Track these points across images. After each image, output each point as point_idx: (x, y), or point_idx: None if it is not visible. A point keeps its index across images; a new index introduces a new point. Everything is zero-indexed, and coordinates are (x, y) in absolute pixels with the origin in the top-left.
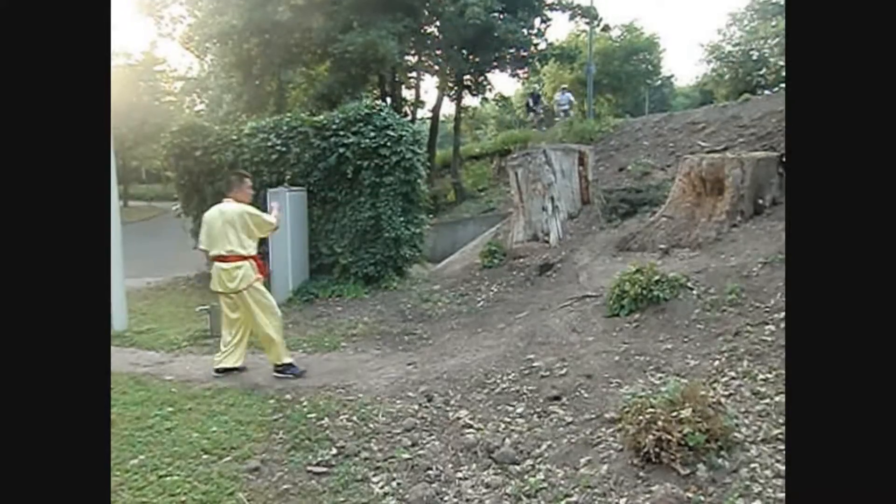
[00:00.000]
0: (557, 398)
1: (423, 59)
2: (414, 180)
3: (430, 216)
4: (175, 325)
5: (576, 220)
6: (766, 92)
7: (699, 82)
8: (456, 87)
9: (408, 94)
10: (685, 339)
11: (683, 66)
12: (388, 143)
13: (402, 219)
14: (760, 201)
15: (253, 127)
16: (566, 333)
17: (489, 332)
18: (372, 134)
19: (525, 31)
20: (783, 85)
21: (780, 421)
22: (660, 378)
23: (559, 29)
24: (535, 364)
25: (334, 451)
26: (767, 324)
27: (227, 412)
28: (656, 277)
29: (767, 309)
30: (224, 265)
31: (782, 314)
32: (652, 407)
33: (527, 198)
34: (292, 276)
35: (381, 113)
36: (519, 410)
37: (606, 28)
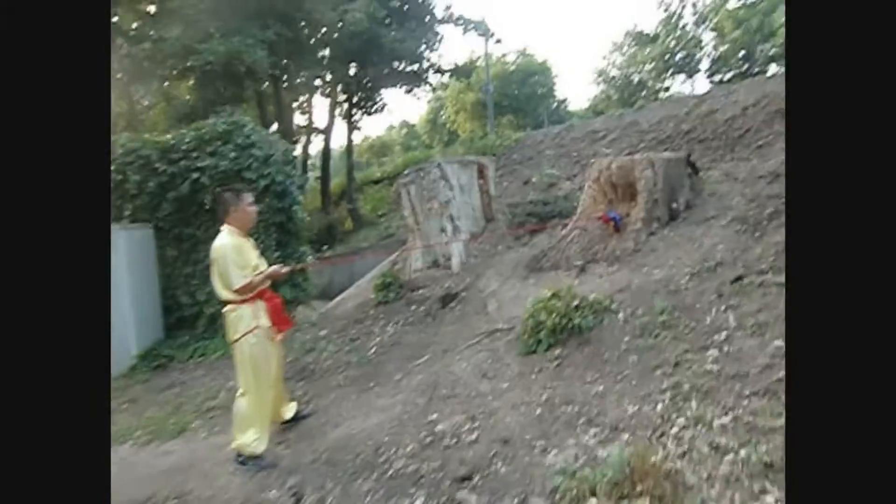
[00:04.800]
0: (467, 478)
1: (304, 71)
2: (289, 207)
3: (325, 247)
4: None
5: (480, 240)
6: None
7: (591, 104)
8: (347, 105)
9: (301, 119)
10: (618, 378)
11: (574, 90)
12: (254, 165)
13: (277, 254)
14: (675, 205)
15: None
16: (475, 381)
17: (383, 386)
18: (233, 154)
19: (415, 41)
20: None
21: (756, 488)
22: (594, 435)
23: (456, 54)
24: (438, 428)
25: None
26: (708, 348)
27: None
28: (575, 302)
29: (705, 330)
30: None
31: (722, 335)
32: (593, 494)
33: (422, 219)
34: (137, 337)
35: (244, 129)
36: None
37: (499, 41)
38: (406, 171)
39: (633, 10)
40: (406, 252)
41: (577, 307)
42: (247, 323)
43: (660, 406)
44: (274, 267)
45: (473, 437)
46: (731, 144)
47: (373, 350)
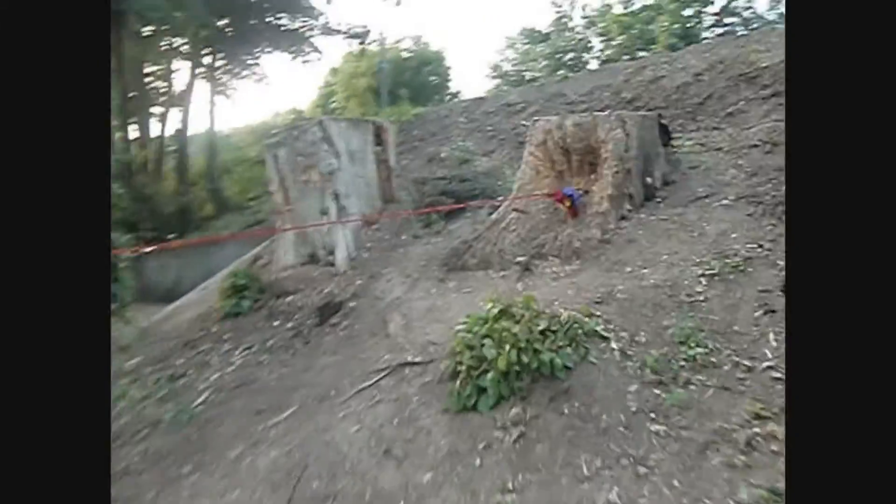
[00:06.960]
0: None
1: (147, 12)
2: None
3: (172, 235)
4: None
5: (376, 225)
6: None
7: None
8: (210, 60)
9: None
10: (639, 469)
11: (467, 83)
12: None
13: None
14: (649, 180)
15: None
16: (372, 464)
17: (209, 474)
18: None
19: None
20: None
21: None
22: None
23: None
24: None
25: None
26: None
27: None
28: (541, 324)
29: (772, 371)
30: None
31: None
32: None
33: (295, 196)
34: None
35: None
36: None
37: (399, 3)
38: (274, 131)
39: (526, 6)
40: (275, 243)
41: (544, 332)
42: None
43: None
44: None
45: None
46: (692, 113)
47: (203, 396)
